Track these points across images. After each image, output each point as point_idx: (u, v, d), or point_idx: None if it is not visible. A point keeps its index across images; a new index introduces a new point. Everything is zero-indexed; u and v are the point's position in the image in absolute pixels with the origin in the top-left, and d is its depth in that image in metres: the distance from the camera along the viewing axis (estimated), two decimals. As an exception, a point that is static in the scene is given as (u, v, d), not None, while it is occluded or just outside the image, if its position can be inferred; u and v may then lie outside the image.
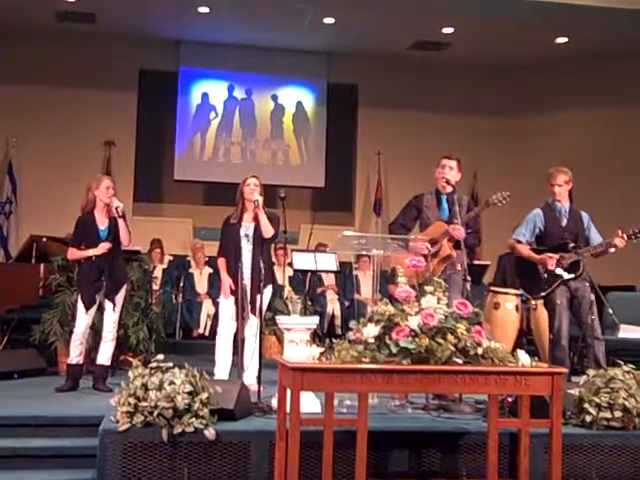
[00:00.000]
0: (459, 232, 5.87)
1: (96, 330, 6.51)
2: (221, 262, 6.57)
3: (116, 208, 6.23)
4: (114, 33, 12.59)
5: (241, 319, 6.24)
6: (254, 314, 6.31)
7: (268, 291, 6.43)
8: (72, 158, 12.68)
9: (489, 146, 13.70)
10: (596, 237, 6.45)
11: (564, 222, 6.48)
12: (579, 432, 4.79)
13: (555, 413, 4.16)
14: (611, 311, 6.45)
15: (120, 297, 6.37)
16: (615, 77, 13.07)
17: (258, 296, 6.11)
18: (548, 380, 4.15)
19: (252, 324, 6.34)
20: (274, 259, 10.42)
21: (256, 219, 6.42)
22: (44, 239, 8.24)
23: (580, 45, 12.50)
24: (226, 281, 6.46)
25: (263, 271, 5.95)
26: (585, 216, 6.54)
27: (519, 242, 6.53)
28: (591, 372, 5.07)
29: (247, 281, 6.39)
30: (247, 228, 6.46)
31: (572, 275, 6.26)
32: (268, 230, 6.39)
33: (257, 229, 6.42)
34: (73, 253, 6.43)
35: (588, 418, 4.82)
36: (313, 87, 14.22)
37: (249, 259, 6.40)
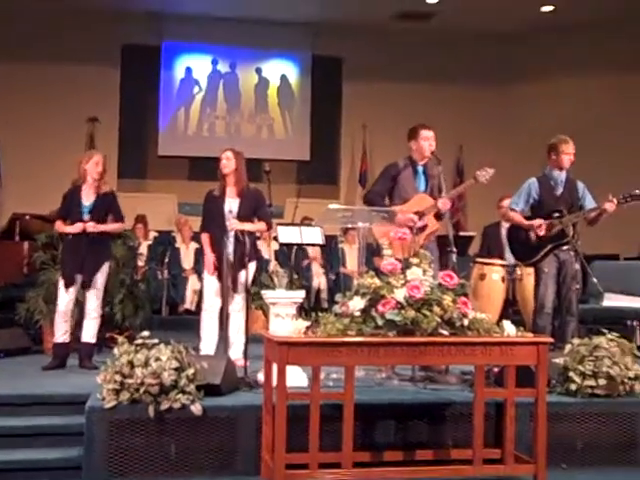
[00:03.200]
0: (448, 207, 5.87)
1: (82, 308, 6.48)
2: (204, 237, 6.51)
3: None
4: (95, 7, 12.45)
5: (227, 294, 6.21)
6: (237, 290, 6.29)
7: (252, 266, 6.41)
8: (55, 135, 12.60)
9: (475, 117, 13.69)
10: (590, 206, 6.46)
11: (559, 191, 6.50)
12: (564, 401, 4.82)
13: (540, 382, 4.19)
14: (595, 280, 6.47)
15: (101, 275, 6.31)
16: (600, 46, 13.05)
17: (243, 271, 6.09)
18: (533, 350, 4.18)
19: (237, 299, 6.31)
20: (259, 233, 10.40)
21: (240, 195, 6.38)
22: (27, 217, 8.19)
23: (566, 13, 12.47)
24: (210, 257, 6.43)
25: (248, 246, 5.91)
26: (580, 185, 6.56)
27: (513, 210, 6.57)
28: (575, 341, 5.09)
29: (231, 256, 6.35)
30: (231, 203, 6.40)
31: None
32: (262, 230, 6.57)
33: (241, 205, 6.38)
34: (59, 226, 6.42)
35: (573, 387, 4.85)
36: (297, 60, 14.14)
37: (233, 234, 6.35)
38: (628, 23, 12.66)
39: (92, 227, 6.21)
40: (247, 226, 6.31)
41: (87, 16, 12.55)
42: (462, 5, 12.33)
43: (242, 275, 6.16)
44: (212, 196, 6.49)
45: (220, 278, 6.32)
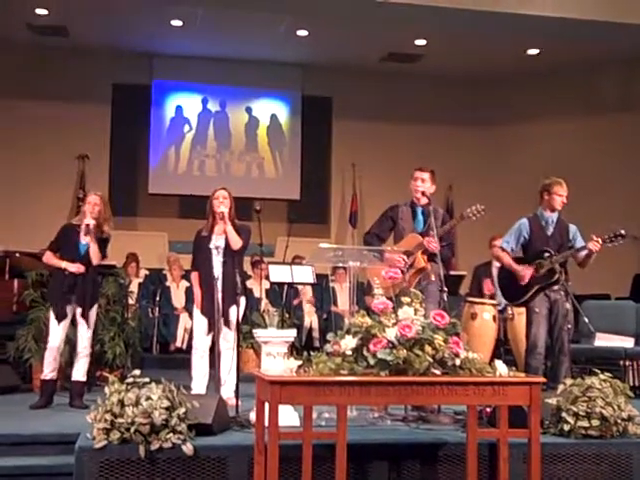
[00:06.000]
0: (434, 246, 5.86)
1: (72, 345, 6.45)
2: (194, 276, 6.58)
3: (86, 225, 6.21)
4: (86, 46, 12.57)
5: (216, 332, 6.21)
6: (228, 327, 6.30)
7: (242, 302, 6.40)
8: (45, 172, 12.60)
9: (464, 157, 13.79)
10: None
11: (550, 231, 6.55)
12: (557, 441, 4.80)
13: (533, 423, 4.17)
14: (587, 320, 6.48)
15: (92, 313, 6.30)
16: (586, 88, 13.24)
17: (232, 309, 6.08)
18: (526, 390, 4.17)
19: (227, 337, 6.30)
20: (250, 272, 10.40)
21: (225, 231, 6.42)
22: (17, 254, 8.15)
23: (551, 57, 12.65)
24: (199, 295, 6.44)
25: (239, 284, 5.92)
26: (572, 228, 6.62)
27: (503, 250, 6.62)
28: (568, 381, 5.08)
29: (220, 294, 6.37)
30: (217, 240, 6.45)
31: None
32: (236, 242, 6.38)
33: (227, 241, 6.41)
34: (49, 258, 6.37)
35: (566, 427, 4.83)
36: (287, 99, 14.25)
37: (220, 271, 6.38)
38: (613, 65, 12.85)
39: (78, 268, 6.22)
40: (229, 227, 6.34)
41: (78, 54, 12.65)
42: (450, 47, 12.47)
43: (233, 311, 6.15)
44: (201, 235, 6.55)
45: (209, 316, 6.33)
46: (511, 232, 6.67)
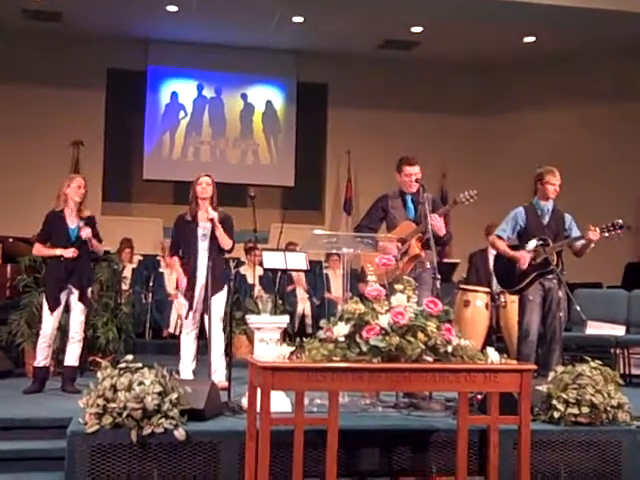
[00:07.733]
0: (439, 225, 5.90)
1: (64, 331, 6.45)
2: (174, 260, 6.63)
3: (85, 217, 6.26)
4: (81, 32, 12.51)
5: (209, 318, 6.22)
6: (207, 314, 6.33)
7: (222, 293, 6.45)
8: (40, 158, 12.58)
9: (459, 145, 13.80)
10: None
11: (546, 220, 6.57)
12: (547, 428, 4.82)
13: (524, 410, 4.19)
14: (579, 308, 6.51)
15: (86, 298, 6.31)
16: (581, 76, 13.24)
17: (215, 297, 6.13)
18: (517, 377, 4.18)
19: (215, 323, 6.32)
20: (244, 258, 10.42)
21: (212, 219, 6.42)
22: (10, 239, 8.16)
23: (547, 45, 12.64)
24: (182, 279, 6.51)
25: (211, 270, 5.94)
26: (568, 217, 6.64)
27: (499, 238, 6.64)
28: (559, 368, 5.11)
29: (202, 279, 6.40)
30: (205, 228, 6.47)
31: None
32: (226, 243, 6.44)
33: (213, 228, 6.43)
34: (39, 249, 6.36)
35: (556, 414, 4.85)
36: (283, 86, 14.23)
37: (205, 258, 6.43)
38: (609, 55, 12.84)
39: (74, 252, 6.21)
40: (220, 231, 6.39)
41: (73, 40, 12.60)
42: (445, 35, 12.45)
43: (215, 299, 6.16)
44: (184, 220, 6.56)
45: (190, 300, 6.41)
46: (507, 220, 6.69)
